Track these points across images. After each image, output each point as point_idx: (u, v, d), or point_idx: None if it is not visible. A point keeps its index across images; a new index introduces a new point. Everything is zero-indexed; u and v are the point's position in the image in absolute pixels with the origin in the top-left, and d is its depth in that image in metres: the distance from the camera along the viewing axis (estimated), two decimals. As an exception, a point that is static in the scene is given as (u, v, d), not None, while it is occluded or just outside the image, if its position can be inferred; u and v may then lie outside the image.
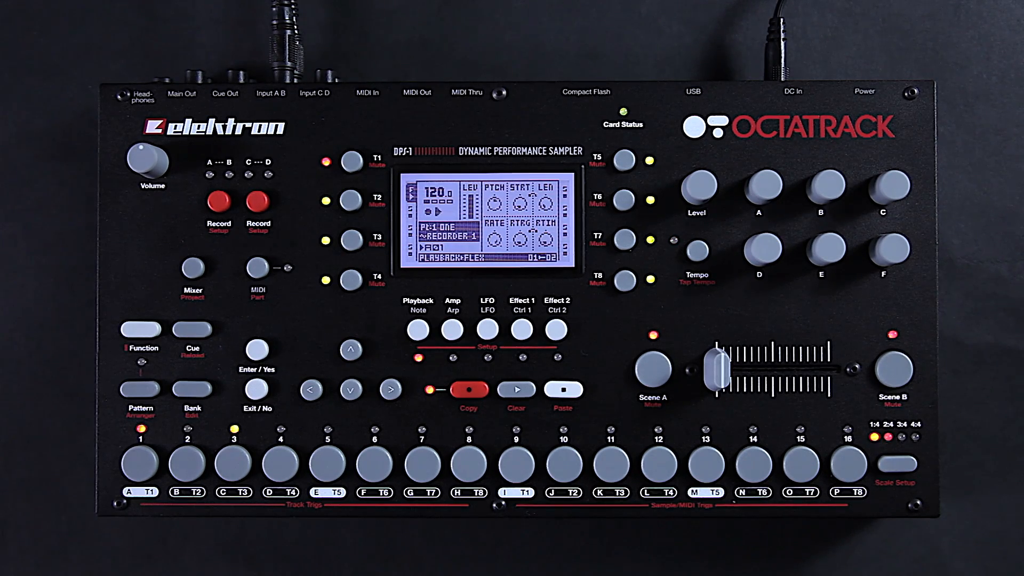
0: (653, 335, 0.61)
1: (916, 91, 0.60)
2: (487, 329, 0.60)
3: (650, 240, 0.60)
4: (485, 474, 0.60)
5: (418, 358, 0.61)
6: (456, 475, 0.60)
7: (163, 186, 0.61)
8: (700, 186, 0.59)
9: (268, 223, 0.61)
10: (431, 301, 0.61)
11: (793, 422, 0.60)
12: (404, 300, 0.61)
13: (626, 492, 0.61)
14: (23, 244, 0.67)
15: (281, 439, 0.61)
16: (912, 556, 0.67)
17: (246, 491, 0.61)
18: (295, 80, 0.63)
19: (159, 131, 0.61)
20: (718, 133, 0.60)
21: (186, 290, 0.60)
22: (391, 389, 0.60)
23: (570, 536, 0.67)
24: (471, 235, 0.61)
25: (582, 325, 0.61)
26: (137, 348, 0.60)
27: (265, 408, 0.61)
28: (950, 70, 0.67)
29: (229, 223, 0.61)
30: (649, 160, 0.60)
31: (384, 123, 0.61)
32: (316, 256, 0.61)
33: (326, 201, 0.61)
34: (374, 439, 0.61)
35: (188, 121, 0.61)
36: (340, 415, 0.61)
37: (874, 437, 0.60)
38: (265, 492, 0.61)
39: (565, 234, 0.60)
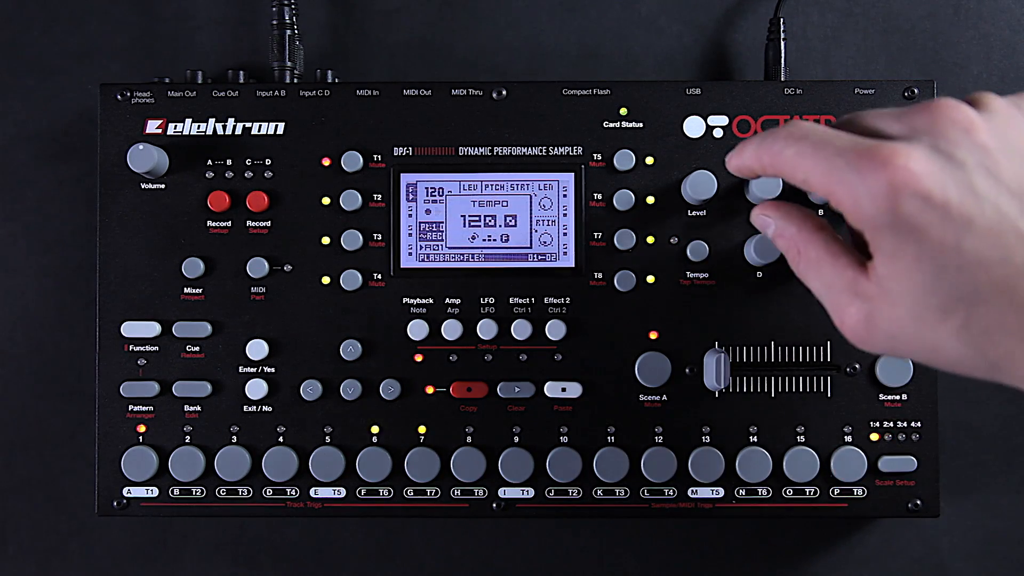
0: (653, 335, 0.61)
1: (916, 91, 0.60)
2: (487, 329, 0.60)
3: (650, 240, 0.61)
4: (485, 474, 0.60)
5: (418, 358, 0.61)
6: (456, 475, 0.60)
7: (163, 186, 0.61)
8: (700, 186, 0.59)
9: (268, 223, 0.61)
10: (431, 301, 0.61)
11: (793, 422, 0.60)
12: (404, 300, 0.61)
13: (626, 492, 0.61)
14: (23, 244, 0.67)
15: (281, 439, 0.61)
16: (912, 556, 0.67)
17: (246, 491, 0.61)
18: (295, 80, 0.63)
19: (159, 131, 0.61)
20: (718, 133, 0.60)
21: (186, 290, 0.60)
22: (391, 389, 0.60)
23: (570, 536, 0.67)
24: (471, 235, 0.61)
25: (582, 325, 0.61)
26: (137, 348, 0.60)
27: (265, 408, 0.61)
28: (950, 70, 0.67)
29: (229, 223, 0.61)
30: (649, 160, 0.60)
31: (384, 123, 0.61)
32: (316, 256, 0.61)
33: (326, 201, 0.61)
34: (374, 439, 0.61)
35: (188, 121, 0.61)
36: (340, 415, 0.61)
37: (874, 437, 0.60)
38: (265, 492, 0.61)
39: (565, 234, 0.60)
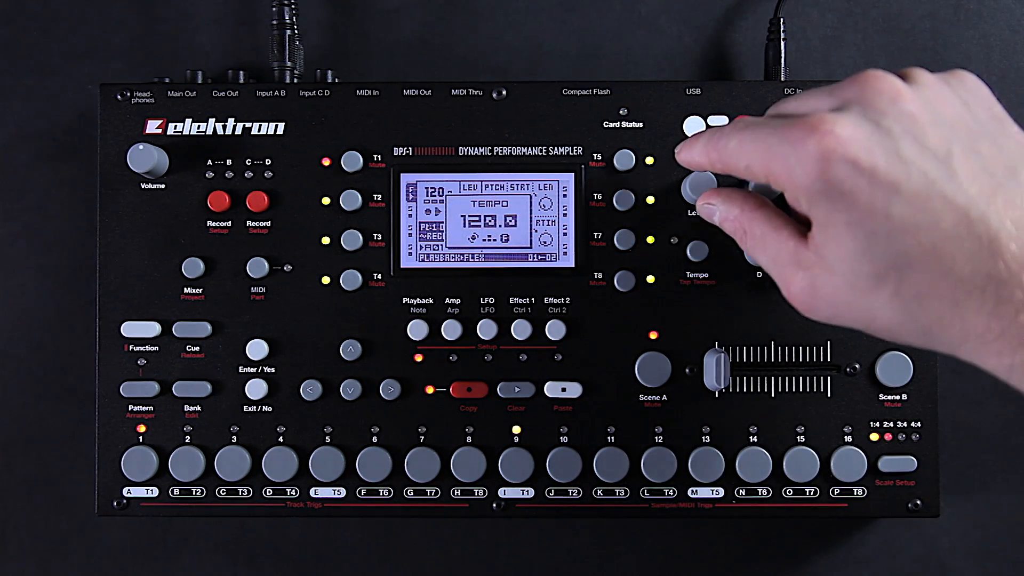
0: (653, 335, 0.61)
1: (916, 91, 0.60)
2: (487, 329, 0.60)
3: (650, 240, 0.61)
4: (485, 474, 0.60)
5: (418, 358, 0.61)
6: (456, 475, 0.60)
7: (163, 186, 0.61)
8: (700, 186, 0.59)
9: (268, 223, 0.61)
10: (431, 301, 0.61)
11: (793, 422, 0.60)
12: (404, 300, 0.61)
13: (626, 492, 0.61)
14: (23, 244, 0.67)
15: (281, 439, 0.61)
16: (912, 556, 0.67)
17: (246, 491, 0.61)
18: (295, 80, 0.63)
19: (159, 131, 0.61)
20: (718, 133, 0.60)
21: (186, 290, 0.61)
22: (391, 389, 0.60)
23: (570, 536, 0.67)
24: (471, 235, 0.61)
25: (582, 325, 0.61)
26: (137, 348, 0.60)
27: (265, 408, 0.61)
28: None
29: (229, 223, 0.61)
30: (649, 160, 0.60)
31: (384, 123, 0.61)
32: (316, 256, 0.61)
33: (326, 201, 0.61)
34: (374, 439, 0.61)
35: (188, 121, 0.61)
36: (340, 415, 0.61)
37: (874, 437, 0.60)
38: (265, 492, 0.61)
39: (565, 234, 0.60)
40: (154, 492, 0.61)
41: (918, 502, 0.60)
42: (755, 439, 0.60)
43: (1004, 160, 0.42)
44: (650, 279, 0.61)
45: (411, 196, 0.61)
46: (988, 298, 0.41)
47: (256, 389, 0.60)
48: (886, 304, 0.43)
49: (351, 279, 0.60)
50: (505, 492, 0.61)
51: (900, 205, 0.41)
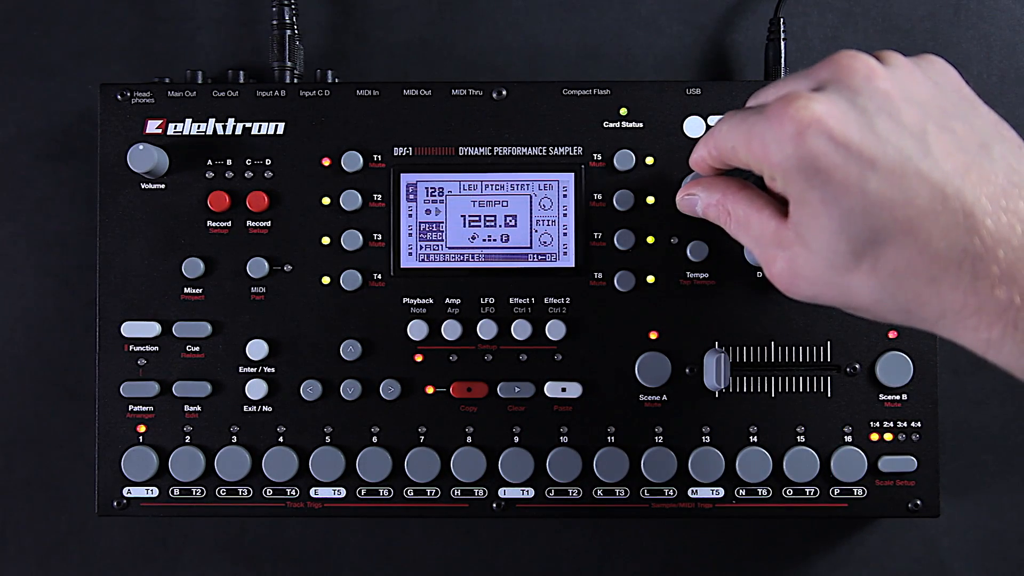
0: (653, 335, 0.61)
1: (916, 91, 0.60)
2: (487, 329, 0.60)
3: (650, 240, 0.61)
4: (485, 474, 0.60)
5: (418, 358, 0.61)
6: (456, 475, 0.60)
7: (163, 186, 0.61)
8: (700, 186, 0.59)
9: (268, 223, 0.61)
10: (431, 301, 0.61)
11: (793, 422, 0.60)
12: (404, 300, 0.61)
13: (626, 492, 0.61)
14: (23, 244, 0.67)
15: (281, 439, 0.61)
16: (912, 556, 0.67)
17: (246, 491, 0.61)
18: (295, 80, 0.63)
19: (159, 131, 0.61)
20: (718, 133, 0.60)
21: (186, 290, 0.61)
22: (391, 389, 0.60)
23: (570, 536, 0.67)
24: (471, 235, 0.61)
25: (582, 325, 0.61)
26: (137, 348, 0.60)
27: (265, 408, 0.61)
28: (950, 70, 0.67)
29: (229, 223, 0.61)
30: (649, 160, 0.60)
31: (384, 123, 0.61)
32: (316, 256, 0.61)
33: (326, 201, 0.61)
34: (374, 439, 0.61)
35: (188, 121, 0.61)
36: (340, 415, 0.61)
37: (874, 437, 0.60)
38: (265, 492, 0.61)
39: (565, 234, 0.60)
40: (154, 492, 0.61)
41: (918, 502, 0.60)
42: (755, 439, 0.60)
43: (976, 137, 0.43)
44: (650, 279, 0.61)
45: (411, 196, 0.61)
46: (964, 273, 0.41)
47: (256, 389, 0.60)
48: (864, 282, 0.43)
49: (351, 279, 0.60)
50: (505, 492, 0.61)
51: (876, 181, 0.41)
